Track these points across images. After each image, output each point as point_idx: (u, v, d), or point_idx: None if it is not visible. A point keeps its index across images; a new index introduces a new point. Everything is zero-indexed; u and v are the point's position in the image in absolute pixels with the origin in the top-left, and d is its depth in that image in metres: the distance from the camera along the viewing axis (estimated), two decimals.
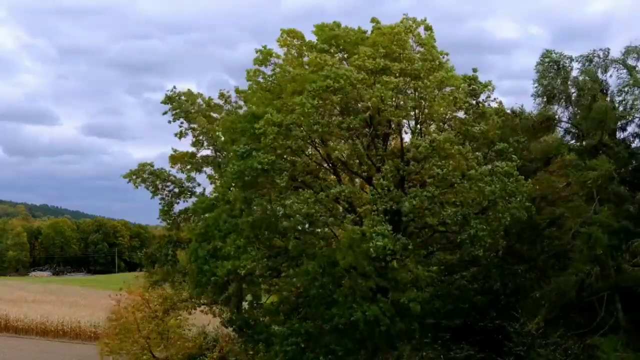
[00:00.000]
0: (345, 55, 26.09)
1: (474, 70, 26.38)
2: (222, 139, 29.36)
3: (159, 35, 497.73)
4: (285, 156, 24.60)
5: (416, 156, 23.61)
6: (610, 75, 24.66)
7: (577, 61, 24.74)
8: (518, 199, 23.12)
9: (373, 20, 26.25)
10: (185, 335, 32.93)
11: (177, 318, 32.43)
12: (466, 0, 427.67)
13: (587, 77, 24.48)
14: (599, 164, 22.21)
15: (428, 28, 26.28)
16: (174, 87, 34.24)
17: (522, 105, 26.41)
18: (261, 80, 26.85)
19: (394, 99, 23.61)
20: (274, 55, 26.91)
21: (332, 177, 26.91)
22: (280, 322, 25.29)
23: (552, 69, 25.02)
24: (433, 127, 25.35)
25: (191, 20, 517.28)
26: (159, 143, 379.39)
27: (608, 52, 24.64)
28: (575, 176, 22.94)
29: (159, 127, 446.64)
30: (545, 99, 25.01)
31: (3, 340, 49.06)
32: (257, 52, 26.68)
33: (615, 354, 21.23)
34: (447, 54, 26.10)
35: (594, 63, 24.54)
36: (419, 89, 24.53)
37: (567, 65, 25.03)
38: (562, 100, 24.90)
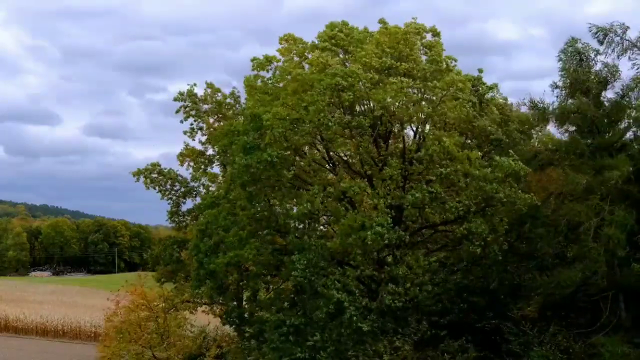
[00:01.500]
0: (348, 56, 25.89)
1: (480, 71, 26.25)
2: (222, 142, 29.14)
3: (162, 37, 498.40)
4: (289, 153, 24.44)
5: (425, 158, 23.43)
6: (629, 58, 22.57)
7: (591, 32, 22.70)
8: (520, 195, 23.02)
9: (381, 21, 26.05)
10: (186, 335, 32.87)
11: (177, 318, 32.37)
12: (467, 2, 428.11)
13: (608, 70, 23.19)
14: (618, 163, 21.68)
15: (436, 34, 26.12)
16: (195, 85, 34.03)
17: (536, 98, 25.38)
18: (259, 83, 26.75)
19: (401, 102, 23.41)
20: (274, 59, 26.79)
21: (332, 176, 26.76)
22: (274, 313, 25.02)
23: (574, 59, 23.59)
24: (437, 127, 25.09)
25: (194, 22, 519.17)
26: (160, 143, 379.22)
27: (626, 30, 22.33)
28: (590, 174, 22.34)
29: (161, 128, 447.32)
30: (566, 91, 23.66)
31: (3, 340, 49.00)
32: (252, 60, 26.56)
33: (617, 352, 21.13)
34: (455, 60, 25.90)
35: (608, 38, 22.43)
36: (426, 91, 24.26)
37: (592, 58, 23.52)
38: (581, 93, 23.25)
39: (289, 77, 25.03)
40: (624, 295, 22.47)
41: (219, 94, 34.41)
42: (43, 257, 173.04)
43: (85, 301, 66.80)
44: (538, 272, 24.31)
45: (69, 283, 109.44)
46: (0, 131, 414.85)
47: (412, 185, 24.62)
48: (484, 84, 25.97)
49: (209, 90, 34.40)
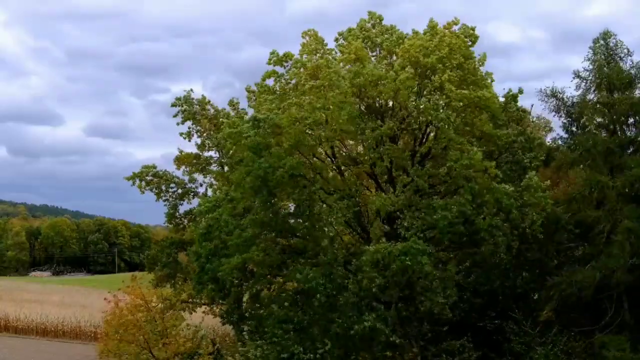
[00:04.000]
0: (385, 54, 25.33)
1: (520, 91, 25.81)
2: (228, 145, 28.88)
3: (165, 38, 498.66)
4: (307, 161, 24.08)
5: (453, 167, 22.85)
6: None
7: None
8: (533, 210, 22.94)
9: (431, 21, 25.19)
10: (184, 335, 32.77)
11: (175, 317, 32.28)
12: (467, 4, 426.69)
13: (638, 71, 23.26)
14: (635, 162, 21.41)
15: (475, 38, 25.29)
16: (191, 90, 34.32)
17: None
18: (271, 83, 26.56)
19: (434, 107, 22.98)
20: (290, 57, 26.46)
21: (337, 175, 26.54)
22: (280, 309, 24.77)
23: (602, 54, 23.57)
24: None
25: (196, 24, 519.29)
26: (162, 144, 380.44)
27: None
28: (605, 172, 22.01)
29: (162, 129, 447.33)
30: (587, 83, 23.68)
31: (3, 340, 48.86)
32: (271, 54, 26.20)
33: (620, 352, 21.01)
34: (492, 78, 25.30)
35: None
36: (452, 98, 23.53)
37: (623, 55, 23.60)
38: (607, 89, 23.29)
39: (301, 69, 24.64)
40: (627, 294, 22.38)
41: (209, 106, 34.61)
42: (43, 257, 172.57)
43: (85, 301, 66.49)
44: (539, 272, 24.27)
45: (69, 283, 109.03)
46: (2, 131, 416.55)
47: (440, 196, 24.18)
48: (517, 106, 25.59)
49: (204, 100, 34.72)
